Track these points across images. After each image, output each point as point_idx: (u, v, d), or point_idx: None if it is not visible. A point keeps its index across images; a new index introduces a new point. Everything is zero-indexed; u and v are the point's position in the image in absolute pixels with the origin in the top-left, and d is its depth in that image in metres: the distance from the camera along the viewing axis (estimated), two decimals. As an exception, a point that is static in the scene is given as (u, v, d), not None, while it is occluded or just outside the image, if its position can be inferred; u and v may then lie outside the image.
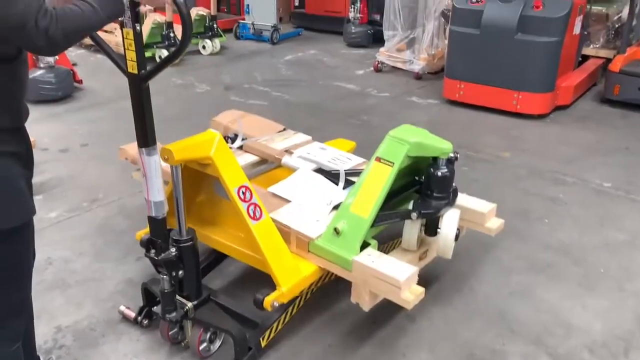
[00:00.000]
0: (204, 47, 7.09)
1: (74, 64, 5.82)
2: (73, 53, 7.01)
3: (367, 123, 4.85)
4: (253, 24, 7.96)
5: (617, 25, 6.23)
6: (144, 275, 2.66)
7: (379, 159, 2.16)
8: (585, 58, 6.05)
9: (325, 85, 5.98)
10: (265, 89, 5.79)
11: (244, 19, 8.17)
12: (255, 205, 2.06)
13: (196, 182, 2.27)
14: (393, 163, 2.12)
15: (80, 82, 5.53)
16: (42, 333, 2.30)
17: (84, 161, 3.98)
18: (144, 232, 2.19)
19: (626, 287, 2.66)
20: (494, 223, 2.45)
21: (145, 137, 1.84)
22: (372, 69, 6.51)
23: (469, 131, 4.71)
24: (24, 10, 1.28)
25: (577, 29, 5.09)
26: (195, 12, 6.86)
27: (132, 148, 2.84)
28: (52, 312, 2.44)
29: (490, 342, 2.30)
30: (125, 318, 2.38)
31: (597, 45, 6.27)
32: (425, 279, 2.39)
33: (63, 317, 2.41)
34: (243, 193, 2.03)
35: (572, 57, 5.36)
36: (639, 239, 3.07)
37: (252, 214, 2.04)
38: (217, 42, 7.22)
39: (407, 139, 2.15)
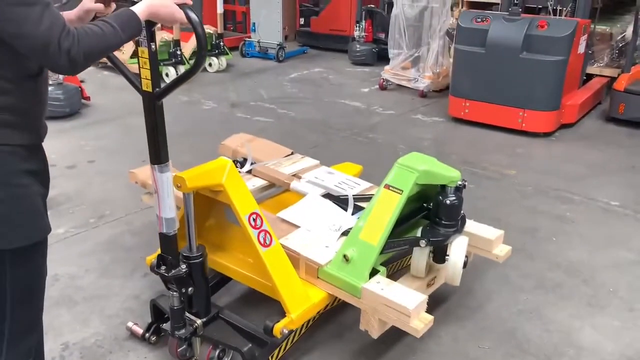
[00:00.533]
0: (210, 64, 7.15)
1: (82, 81, 5.86)
2: (81, 70, 7.07)
3: (373, 140, 4.86)
4: (259, 42, 8.04)
5: (621, 45, 6.27)
6: (151, 292, 2.65)
7: (387, 187, 2.16)
8: (590, 77, 6.08)
9: (331, 102, 6.01)
10: (271, 106, 5.82)
11: (250, 37, 8.25)
12: (266, 232, 2.06)
13: (206, 207, 2.28)
14: (402, 191, 2.13)
15: (88, 98, 5.57)
16: (49, 350, 2.28)
17: (90, 177, 3.99)
18: (154, 256, 2.22)
19: (636, 307, 2.64)
20: (502, 250, 2.45)
21: (158, 155, 1.85)
22: (377, 86, 6.55)
23: (475, 148, 4.72)
24: (48, 31, 1.30)
25: (581, 48, 5.12)
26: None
27: (142, 172, 2.86)
28: (59, 329, 2.43)
29: (500, 361, 2.28)
30: (133, 335, 2.37)
31: (602, 64, 6.30)
32: (433, 298, 2.38)
33: (70, 334, 2.41)
34: (254, 220, 2.03)
35: (577, 75, 5.39)
36: (647, 258, 3.06)
37: (262, 241, 2.04)
38: (223, 59, 7.29)
39: (416, 167, 2.16)
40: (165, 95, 1.80)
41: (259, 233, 2.06)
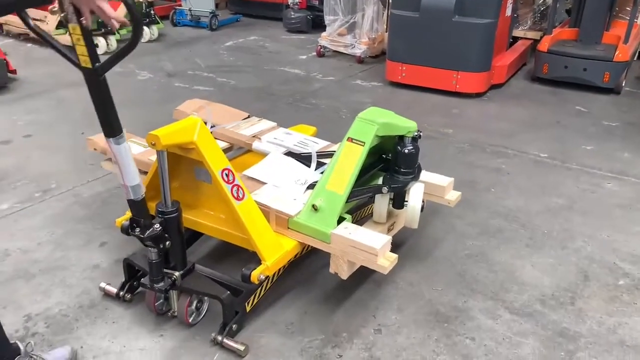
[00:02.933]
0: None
1: (5, 54, 5.54)
2: (1, 42, 6.68)
3: (317, 106, 4.94)
4: (190, 10, 7.85)
5: (542, 8, 6.64)
6: (111, 260, 2.65)
7: (350, 139, 2.26)
8: (515, 39, 6.41)
9: (270, 70, 6.02)
10: (209, 75, 5.75)
11: (180, 6, 8.03)
12: (238, 186, 2.12)
13: (173, 168, 2.29)
14: (364, 142, 2.23)
15: (14, 72, 5.28)
16: (11, 323, 2.26)
17: (29, 152, 3.84)
18: (123, 218, 2.23)
19: (568, 245, 2.91)
20: (453, 195, 2.63)
21: (111, 127, 1.85)
22: (315, 53, 6.59)
23: (413, 111, 4.91)
24: None
25: (509, 11, 5.39)
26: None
27: (101, 138, 2.79)
28: (18, 302, 2.39)
29: (452, 300, 2.47)
30: (107, 294, 2.40)
31: (526, 27, 6.65)
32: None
33: (31, 306, 2.37)
34: (226, 175, 2.08)
35: (505, 38, 5.67)
36: (574, 202, 3.35)
37: (235, 195, 2.10)
38: (154, 29, 7.08)
39: (376, 120, 2.27)
40: (107, 70, 1.75)
41: (232, 187, 2.11)
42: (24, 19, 1.71)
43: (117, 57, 1.75)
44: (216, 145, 2.10)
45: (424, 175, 2.63)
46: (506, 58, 5.61)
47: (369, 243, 2.09)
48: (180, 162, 2.25)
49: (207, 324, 2.26)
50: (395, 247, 2.74)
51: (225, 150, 2.88)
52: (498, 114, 4.88)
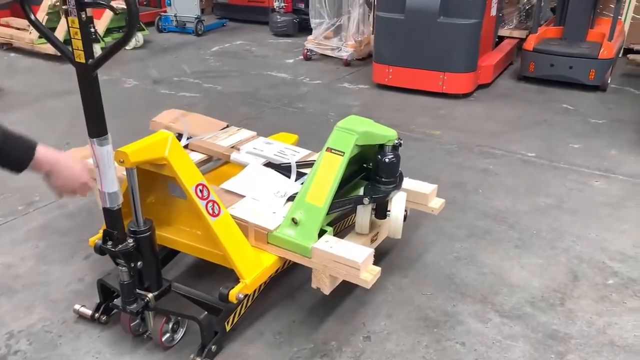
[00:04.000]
0: (126, 41, 6.87)
1: (-12, 64, 5.48)
2: (-17, 53, 6.60)
3: (304, 110, 4.92)
4: (176, 15, 7.81)
5: (527, 7, 6.65)
6: (95, 274, 2.60)
7: (330, 150, 2.24)
8: (501, 39, 6.42)
9: (257, 74, 5.99)
10: (195, 80, 5.72)
11: (165, 12, 7.98)
12: (214, 202, 2.08)
13: (147, 183, 2.26)
14: (343, 153, 2.21)
15: (-3, 82, 5.23)
16: (-7, 340, 2.21)
17: (12, 164, 3.78)
18: (96, 237, 2.18)
19: (556, 245, 2.90)
20: (436, 203, 2.61)
21: (97, 127, 1.82)
22: (302, 57, 6.58)
23: (401, 113, 4.90)
24: None
25: (493, 11, 5.39)
26: (116, 5, 6.62)
27: (86, 150, 2.75)
28: (1, 319, 2.35)
29: (442, 304, 2.45)
30: (81, 317, 2.33)
31: (511, 26, 6.66)
32: (376, 253, 2.48)
33: (14, 323, 2.33)
34: (201, 191, 2.04)
35: (490, 38, 5.68)
36: (563, 202, 3.34)
37: (211, 211, 2.06)
38: (140, 35, 7.03)
39: (355, 129, 2.24)
40: (100, 66, 1.77)
41: (207, 203, 2.07)
42: (26, 11, 1.74)
43: (110, 51, 1.75)
44: (189, 159, 2.06)
45: (407, 182, 2.60)
46: (492, 58, 5.62)
47: (351, 257, 2.06)
48: (154, 177, 2.20)
49: (188, 344, 2.20)
50: (383, 252, 2.73)
51: (204, 162, 2.84)
52: (485, 114, 4.88)
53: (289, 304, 2.44)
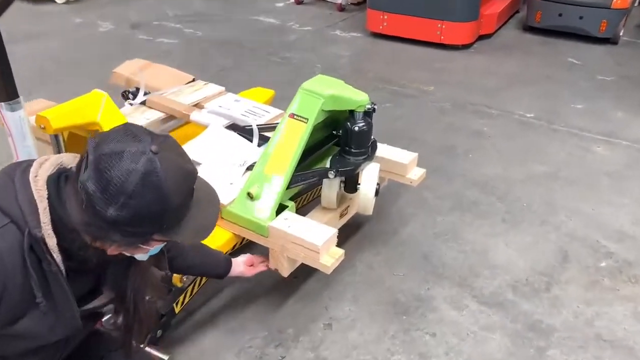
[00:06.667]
0: (107, -20, 6.42)
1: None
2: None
3: (289, 60, 4.57)
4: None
5: (538, -51, 6.11)
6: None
7: (292, 115, 1.95)
8: (508, -16, 5.94)
9: (243, 19, 5.58)
10: (176, 25, 5.33)
11: (151, -52, 7.45)
12: None
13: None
14: (307, 119, 1.93)
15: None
16: None
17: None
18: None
19: (548, 220, 2.65)
20: (416, 174, 2.32)
21: (5, 89, 1.53)
22: (293, 0, 6.13)
23: (394, 65, 4.55)
24: None
25: (499, -46, 4.93)
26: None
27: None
28: None
29: (414, 287, 2.23)
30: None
31: (520, -29, 6.15)
32: (347, 225, 2.27)
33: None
34: None
35: (495, -17, 5.23)
36: (560, 170, 3.07)
37: None
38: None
39: (321, 92, 1.95)
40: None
41: (146, 175, 1.81)
42: None
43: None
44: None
45: (384, 150, 2.32)
46: (496, 6, 5.18)
47: (310, 239, 1.81)
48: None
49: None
50: (355, 225, 2.49)
51: (165, 121, 2.56)
52: (484, 68, 4.52)
53: (245, 283, 2.21)
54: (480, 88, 4.09)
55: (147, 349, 1.83)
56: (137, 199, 0.96)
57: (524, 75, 4.36)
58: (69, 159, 1.13)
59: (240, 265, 1.88)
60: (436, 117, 3.67)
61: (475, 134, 3.45)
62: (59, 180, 1.08)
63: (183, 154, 1.08)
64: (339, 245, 1.91)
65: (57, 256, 1.07)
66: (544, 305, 2.15)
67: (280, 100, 2.78)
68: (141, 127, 1.08)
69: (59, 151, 1.69)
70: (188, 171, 1.06)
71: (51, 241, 1.05)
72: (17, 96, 1.56)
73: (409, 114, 3.71)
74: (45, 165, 1.10)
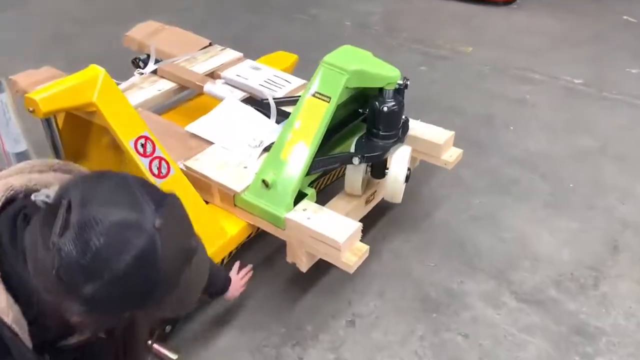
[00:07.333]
0: None
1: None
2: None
3: (316, 18, 4.28)
4: None
5: None
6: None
7: (313, 94, 1.73)
8: None
9: (268, -28, 5.26)
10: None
11: None
12: (160, 159, 1.64)
13: (84, 127, 1.81)
14: (329, 98, 1.70)
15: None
16: None
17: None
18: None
19: (596, 203, 2.40)
20: (452, 155, 2.08)
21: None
22: (322, -49, 5.75)
23: (428, 23, 4.22)
24: None
25: None
26: None
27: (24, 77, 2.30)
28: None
29: (446, 280, 2.04)
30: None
31: None
32: (375, 208, 2.07)
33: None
34: (142, 146, 1.60)
35: None
36: (609, 144, 2.78)
37: (156, 171, 1.63)
38: None
39: (346, 67, 1.71)
40: None
41: (151, 162, 1.64)
42: None
43: None
44: (127, 104, 1.60)
45: (417, 128, 2.08)
46: (543, -45, 4.74)
47: (331, 234, 1.62)
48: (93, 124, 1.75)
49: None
50: (382, 209, 2.28)
51: (177, 91, 2.37)
52: (528, 26, 4.15)
53: (265, 270, 2.05)
54: (522, 49, 3.75)
55: (155, 346, 1.70)
56: (125, 279, 0.79)
57: (572, 35, 3.98)
58: (20, 182, 0.94)
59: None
60: (474, 83, 3.38)
61: (517, 102, 3.16)
62: (15, 219, 0.89)
63: (187, 226, 0.91)
64: (363, 230, 1.72)
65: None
66: (591, 304, 1.94)
67: (306, 64, 2.54)
68: (142, 182, 0.88)
69: (52, 139, 1.52)
70: (189, 249, 0.88)
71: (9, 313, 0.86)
72: (-3, 76, 1.39)
73: (444, 78, 3.43)
74: None
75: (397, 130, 1.83)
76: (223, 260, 1.85)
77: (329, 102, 1.71)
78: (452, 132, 2.10)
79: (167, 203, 0.87)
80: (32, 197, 0.92)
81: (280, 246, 1.88)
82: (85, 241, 0.78)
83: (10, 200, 0.95)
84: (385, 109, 1.77)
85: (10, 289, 0.88)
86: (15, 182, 0.95)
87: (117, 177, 0.89)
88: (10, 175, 1.00)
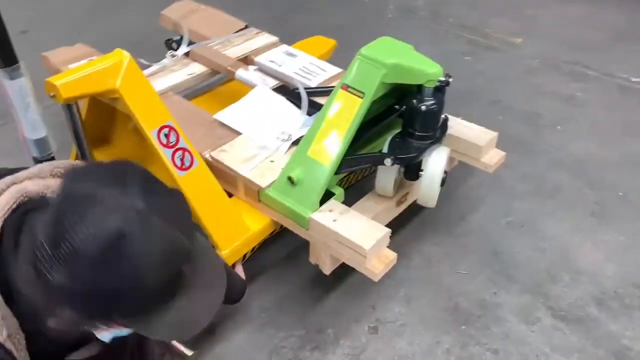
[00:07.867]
0: None
1: None
2: None
3: (359, 1, 4.14)
4: None
5: None
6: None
7: (345, 87, 1.63)
8: None
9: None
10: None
11: None
12: (184, 150, 1.58)
13: (107, 117, 1.77)
14: (363, 93, 1.60)
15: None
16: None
17: None
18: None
19: (648, 215, 2.23)
20: (493, 157, 1.95)
21: (2, 54, 1.31)
22: None
23: (477, 10, 4.01)
24: None
25: None
26: None
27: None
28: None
29: (478, 290, 1.93)
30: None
31: None
32: (405, 211, 1.97)
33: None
34: (165, 136, 1.54)
35: None
36: (667, 150, 2.59)
37: (178, 163, 1.57)
38: None
39: (383, 61, 1.60)
40: None
41: (174, 153, 1.59)
42: None
43: None
44: (152, 91, 1.54)
45: (456, 126, 1.96)
46: (606, -59, 4.44)
47: (357, 240, 1.53)
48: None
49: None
50: (414, 209, 2.16)
51: (210, 75, 2.30)
52: (585, 17, 3.90)
53: (287, 268, 1.98)
54: (577, 42, 3.53)
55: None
56: (95, 269, 0.69)
57: (632, 28, 3.72)
58: (37, 188, 0.87)
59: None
60: (522, 77, 3.20)
61: (567, 100, 2.97)
62: (21, 225, 0.81)
63: (184, 224, 0.79)
64: (393, 231, 1.63)
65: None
66: (636, 327, 1.80)
67: (345, 50, 2.41)
68: (143, 170, 0.79)
69: (73, 125, 1.47)
70: (179, 248, 0.76)
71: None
72: (16, 61, 1.34)
73: (491, 70, 3.25)
74: (1, 200, 0.82)
75: (435, 131, 1.71)
76: (245, 255, 1.80)
77: (362, 97, 1.61)
78: (495, 133, 1.97)
79: (161, 192, 0.78)
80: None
81: (305, 243, 1.81)
82: (57, 220, 0.70)
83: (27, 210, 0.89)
84: (423, 107, 1.65)
85: (10, 299, 0.82)
86: (31, 187, 0.88)
87: (116, 160, 0.81)
88: (29, 177, 0.92)
